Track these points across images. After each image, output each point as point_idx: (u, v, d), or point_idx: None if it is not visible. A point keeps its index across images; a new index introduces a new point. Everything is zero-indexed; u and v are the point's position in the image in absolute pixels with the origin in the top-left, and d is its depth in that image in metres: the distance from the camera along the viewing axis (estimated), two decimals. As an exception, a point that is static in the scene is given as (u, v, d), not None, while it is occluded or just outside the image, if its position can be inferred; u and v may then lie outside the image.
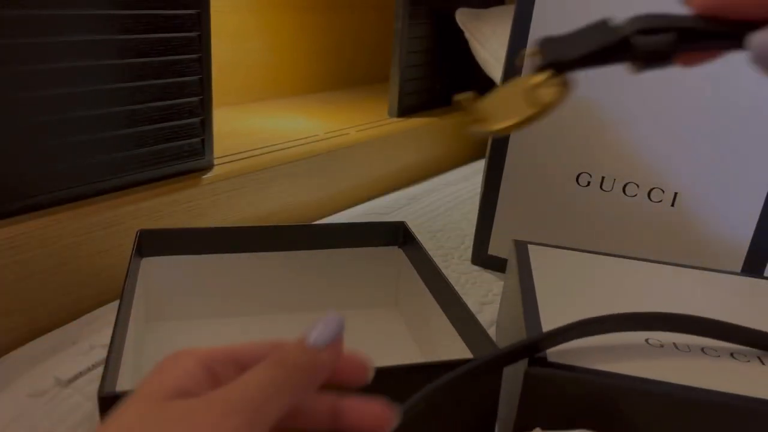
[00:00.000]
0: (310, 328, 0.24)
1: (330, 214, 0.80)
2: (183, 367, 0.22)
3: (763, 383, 0.33)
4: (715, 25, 0.23)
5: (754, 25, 0.22)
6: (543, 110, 0.24)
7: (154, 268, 0.48)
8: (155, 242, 0.48)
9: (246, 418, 0.20)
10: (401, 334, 0.51)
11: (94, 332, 0.50)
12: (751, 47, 0.23)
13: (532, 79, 0.24)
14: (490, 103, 0.26)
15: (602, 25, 0.24)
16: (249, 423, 0.20)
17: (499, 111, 0.25)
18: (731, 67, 0.52)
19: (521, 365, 0.34)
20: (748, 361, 0.36)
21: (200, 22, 0.59)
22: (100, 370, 0.45)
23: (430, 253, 0.48)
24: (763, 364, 0.35)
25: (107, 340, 0.41)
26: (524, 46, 0.57)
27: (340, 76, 1.19)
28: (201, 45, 0.59)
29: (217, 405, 0.20)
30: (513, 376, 0.36)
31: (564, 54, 0.24)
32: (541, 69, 0.24)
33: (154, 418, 0.20)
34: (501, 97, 0.26)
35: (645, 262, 0.48)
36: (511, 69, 0.58)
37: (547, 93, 0.24)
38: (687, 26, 0.23)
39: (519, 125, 0.25)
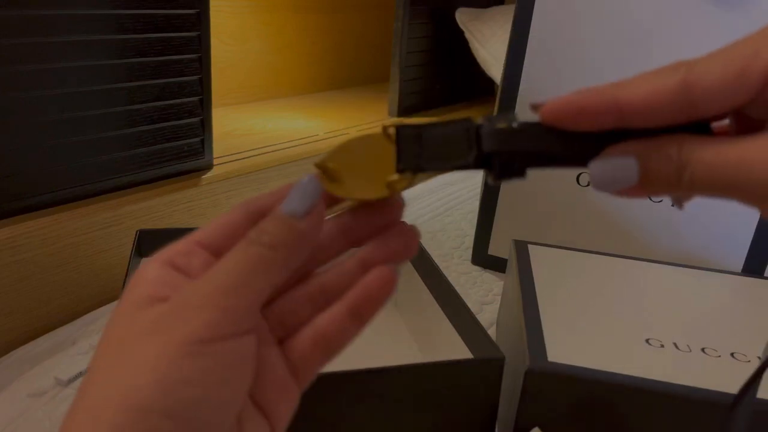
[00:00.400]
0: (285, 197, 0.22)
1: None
2: (149, 275, 0.21)
3: (764, 383, 0.33)
4: (559, 142, 0.23)
5: (597, 143, 0.22)
6: (392, 196, 0.25)
7: (154, 268, 0.48)
8: (155, 242, 0.48)
9: (221, 309, 0.19)
10: (401, 334, 0.51)
11: (94, 332, 0.50)
12: (591, 175, 0.22)
13: (389, 174, 0.24)
14: (344, 159, 0.25)
15: (462, 133, 0.24)
16: (226, 313, 0.19)
17: (353, 175, 0.25)
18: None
19: (522, 364, 0.34)
20: (749, 361, 0.36)
21: (200, 22, 0.59)
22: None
23: (431, 253, 0.48)
24: (764, 364, 0.35)
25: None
26: (524, 45, 0.57)
27: (340, 76, 1.19)
28: (200, 45, 0.59)
29: (187, 302, 0.19)
30: (514, 375, 0.36)
31: (422, 162, 0.24)
32: (399, 170, 0.24)
33: (127, 335, 0.19)
34: (354, 157, 0.26)
35: (645, 262, 0.48)
36: (512, 68, 0.58)
37: (400, 183, 0.24)
38: (536, 149, 0.23)
39: (369, 201, 0.25)
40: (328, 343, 0.22)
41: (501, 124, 0.24)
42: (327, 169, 0.25)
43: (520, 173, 0.24)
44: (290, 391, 0.22)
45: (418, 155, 0.24)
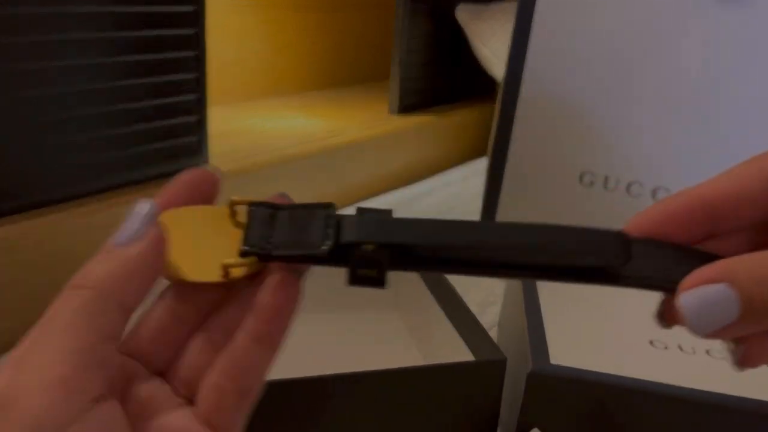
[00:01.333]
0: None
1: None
2: None
3: (765, 383, 0.33)
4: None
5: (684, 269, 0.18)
6: (228, 283, 0.21)
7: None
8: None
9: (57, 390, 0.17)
10: (401, 336, 0.50)
11: (90, 334, 0.49)
12: (681, 305, 0.18)
13: (227, 255, 0.20)
14: (175, 224, 0.21)
15: (322, 219, 0.20)
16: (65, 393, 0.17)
17: (182, 253, 0.21)
18: (735, 65, 0.52)
19: (525, 366, 0.33)
20: (755, 364, 0.35)
21: (196, 19, 0.58)
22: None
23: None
24: (771, 366, 0.35)
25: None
26: (526, 43, 0.57)
27: (340, 74, 1.19)
28: (197, 42, 0.59)
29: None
30: (516, 377, 0.35)
31: (270, 246, 0.20)
32: (243, 254, 0.20)
33: None
34: (189, 225, 0.21)
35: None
36: (514, 67, 0.58)
37: (238, 269, 0.20)
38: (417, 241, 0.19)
39: (203, 283, 0.21)
40: (238, 379, 0.20)
41: (370, 215, 0.20)
42: (166, 232, 0.21)
43: (379, 278, 0.20)
44: None
45: (267, 239, 0.21)
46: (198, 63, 0.60)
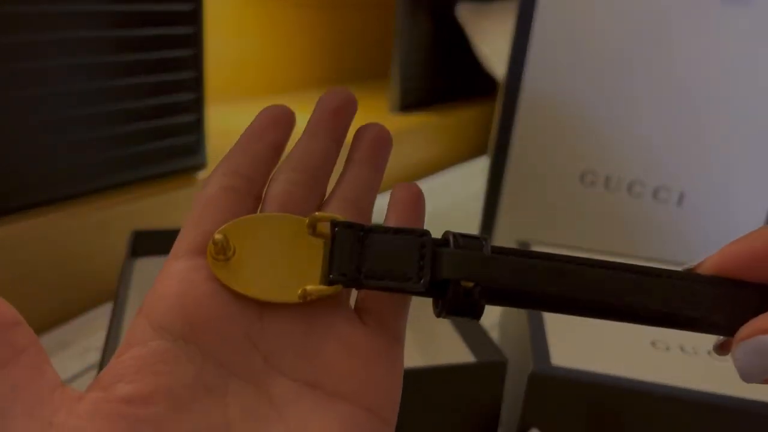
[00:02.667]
0: None
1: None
2: None
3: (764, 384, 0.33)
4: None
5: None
6: (303, 302, 0.19)
7: (149, 268, 0.48)
8: (149, 243, 0.47)
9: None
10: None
11: (88, 334, 0.49)
12: (737, 365, 0.18)
13: (307, 279, 0.19)
14: (245, 237, 0.19)
15: (416, 248, 0.19)
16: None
17: (253, 266, 0.19)
18: (737, 65, 0.52)
19: (526, 367, 0.33)
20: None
21: (195, 18, 0.58)
22: (94, 372, 0.44)
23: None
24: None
25: (102, 342, 0.41)
26: (527, 42, 0.56)
27: (340, 73, 1.18)
28: (196, 41, 0.59)
29: None
30: (517, 378, 0.35)
31: (360, 276, 0.19)
32: (330, 282, 0.19)
33: None
34: (261, 239, 0.19)
35: (651, 262, 0.47)
36: (514, 65, 0.57)
37: (317, 294, 0.19)
38: (517, 285, 0.19)
39: (274, 302, 0.19)
40: (355, 200, 0.22)
41: (467, 249, 0.19)
42: (217, 244, 0.19)
43: (476, 311, 0.19)
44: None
45: (356, 266, 0.19)
46: (196, 62, 0.59)
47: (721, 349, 0.20)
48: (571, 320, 0.38)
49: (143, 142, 0.57)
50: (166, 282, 0.19)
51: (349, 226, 0.20)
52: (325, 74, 1.15)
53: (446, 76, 1.06)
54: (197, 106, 0.61)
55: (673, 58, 0.53)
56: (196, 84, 0.60)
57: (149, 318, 0.18)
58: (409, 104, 0.98)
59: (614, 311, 0.20)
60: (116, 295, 0.39)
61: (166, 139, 0.59)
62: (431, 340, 0.47)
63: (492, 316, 0.55)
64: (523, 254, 0.20)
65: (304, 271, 0.19)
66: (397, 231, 0.20)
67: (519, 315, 0.40)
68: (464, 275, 0.19)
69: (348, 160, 0.23)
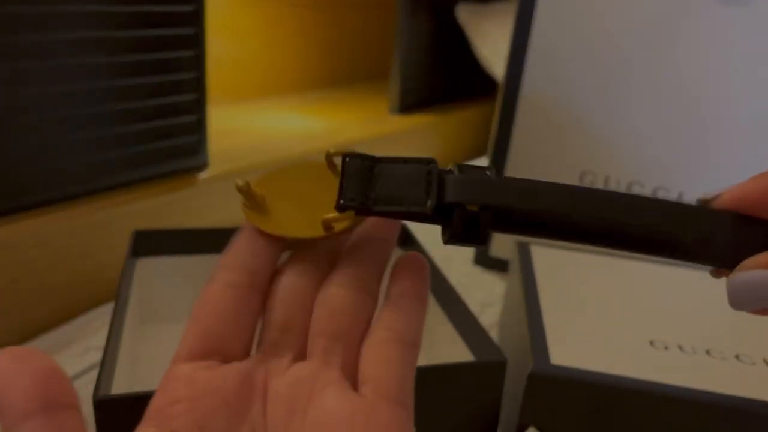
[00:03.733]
0: None
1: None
2: None
3: (764, 384, 0.33)
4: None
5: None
6: (332, 236, 0.21)
7: (150, 269, 0.48)
8: (150, 243, 0.48)
9: None
10: (401, 335, 0.50)
11: (89, 334, 0.49)
12: (730, 291, 0.19)
13: (327, 212, 0.20)
14: (273, 193, 0.21)
15: (423, 175, 0.20)
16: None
17: (283, 210, 0.21)
18: (737, 65, 0.52)
19: (525, 367, 0.33)
20: (754, 364, 0.35)
21: (196, 19, 0.58)
22: (95, 372, 0.44)
23: (431, 253, 0.47)
24: (772, 367, 0.35)
25: (102, 342, 0.41)
26: (526, 43, 0.56)
27: (340, 74, 1.18)
28: (197, 42, 0.59)
29: None
30: (516, 377, 0.35)
31: (369, 201, 0.20)
32: (341, 208, 0.20)
33: None
34: (288, 186, 0.21)
35: (649, 263, 0.48)
36: (514, 66, 0.57)
37: (340, 223, 0.20)
38: (523, 207, 0.19)
39: (304, 240, 0.21)
40: (403, 332, 0.21)
41: (473, 174, 0.20)
42: (251, 195, 0.21)
43: (481, 238, 0.19)
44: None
45: (365, 193, 0.20)
46: (198, 62, 0.60)
47: (717, 273, 0.20)
48: (571, 320, 0.38)
49: (144, 143, 0.57)
50: (174, 386, 0.19)
51: (358, 156, 0.20)
52: (325, 75, 1.16)
53: (446, 77, 1.06)
54: (198, 106, 0.61)
55: (673, 58, 0.53)
56: (198, 85, 0.60)
57: (161, 427, 0.18)
58: (409, 105, 0.98)
59: (623, 234, 0.19)
60: (117, 295, 0.39)
61: (168, 139, 0.59)
62: (430, 340, 0.47)
63: (492, 315, 0.56)
64: (528, 181, 0.20)
65: (329, 206, 0.20)
66: (405, 161, 0.20)
67: (518, 314, 0.40)
68: (469, 198, 0.19)
69: (389, 296, 0.22)
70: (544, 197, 0.19)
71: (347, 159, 0.21)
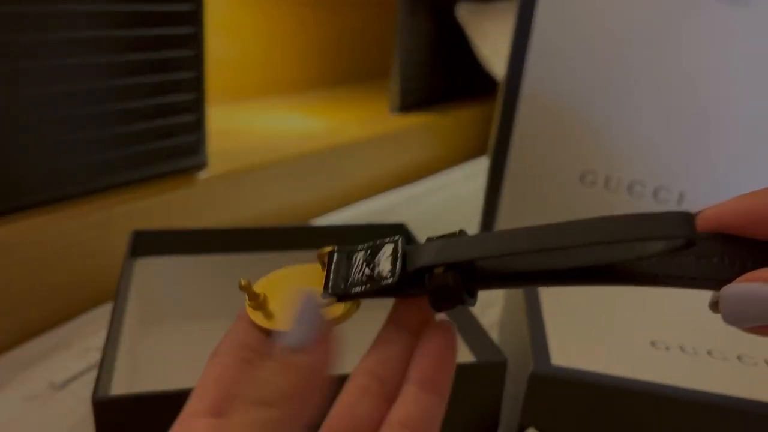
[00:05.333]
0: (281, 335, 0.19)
1: (329, 214, 0.79)
2: None
3: (763, 384, 0.32)
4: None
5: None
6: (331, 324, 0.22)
7: (149, 269, 0.48)
8: (150, 243, 0.47)
9: None
10: (401, 335, 0.50)
11: (88, 334, 0.49)
12: (723, 306, 0.18)
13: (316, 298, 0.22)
14: (272, 292, 0.22)
15: (391, 252, 0.21)
16: None
17: (282, 305, 0.22)
18: (737, 65, 0.52)
19: (526, 367, 0.33)
20: (755, 364, 0.35)
21: (195, 18, 0.58)
22: (94, 373, 0.44)
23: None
24: (773, 367, 0.35)
25: (102, 342, 0.41)
26: (526, 42, 0.56)
27: (340, 73, 1.18)
28: (196, 41, 0.59)
29: None
30: (517, 378, 0.35)
31: (347, 287, 0.21)
32: (326, 296, 0.22)
33: None
34: (283, 288, 0.23)
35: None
36: (514, 65, 0.57)
37: (335, 310, 0.21)
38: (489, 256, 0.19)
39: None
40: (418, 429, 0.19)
41: (438, 239, 0.20)
42: (252, 295, 0.22)
43: (457, 298, 0.20)
44: None
45: (345, 279, 0.21)
46: (197, 62, 0.59)
47: (716, 306, 0.20)
48: (571, 320, 0.38)
49: (144, 142, 0.57)
50: None
51: (339, 250, 0.22)
52: (325, 74, 1.15)
53: (446, 76, 1.06)
54: (198, 106, 0.61)
55: (673, 58, 0.53)
56: (197, 84, 0.60)
57: None
58: (409, 104, 0.98)
59: (595, 269, 0.20)
60: (116, 295, 0.39)
61: (167, 139, 0.59)
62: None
63: (492, 316, 0.55)
64: (492, 234, 0.20)
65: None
66: (379, 242, 0.22)
67: (518, 314, 0.40)
68: (428, 261, 0.20)
69: (407, 379, 0.20)
70: (498, 242, 0.20)
71: (331, 253, 0.22)
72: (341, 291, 0.21)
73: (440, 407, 0.20)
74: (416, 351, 0.21)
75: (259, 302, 0.22)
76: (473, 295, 0.21)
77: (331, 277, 0.22)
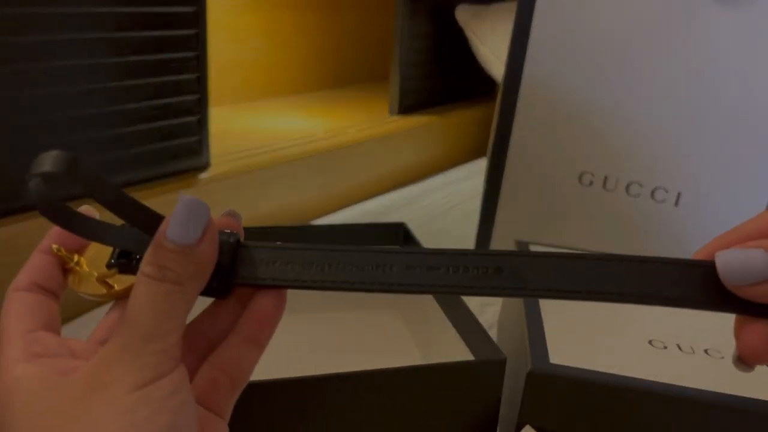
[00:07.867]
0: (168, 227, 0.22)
1: (329, 214, 0.79)
2: (13, 354, 0.22)
3: (764, 384, 0.33)
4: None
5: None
6: (112, 297, 0.24)
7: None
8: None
9: (155, 353, 0.20)
10: (401, 335, 0.50)
11: (88, 334, 0.49)
12: (719, 264, 0.22)
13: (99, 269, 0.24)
14: (88, 257, 0.25)
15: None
16: (160, 355, 0.20)
17: (91, 268, 0.25)
18: (736, 65, 0.52)
19: (524, 366, 0.33)
20: (754, 363, 0.35)
21: (197, 20, 0.58)
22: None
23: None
24: (769, 366, 0.35)
25: (103, 342, 0.41)
26: (526, 43, 0.57)
27: (339, 75, 1.19)
28: (198, 43, 0.59)
29: (115, 356, 0.20)
30: (515, 376, 0.35)
31: (133, 262, 0.24)
32: (108, 266, 0.24)
33: (53, 407, 0.20)
34: (94, 256, 0.25)
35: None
36: (513, 67, 0.58)
37: (119, 281, 0.24)
38: None
39: (98, 298, 0.24)
40: (231, 372, 0.23)
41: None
42: (61, 256, 0.25)
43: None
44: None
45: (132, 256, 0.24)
46: (199, 63, 0.60)
47: (740, 362, 0.22)
48: (569, 319, 0.38)
49: (146, 143, 0.58)
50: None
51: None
52: (326, 76, 1.16)
53: (446, 78, 1.06)
54: (200, 107, 0.61)
55: (671, 58, 0.53)
56: (199, 85, 0.61)
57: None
58: (408, 106, 0.98)
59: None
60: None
61: (169, 140, 0.59)
62: (430, 339, 0.47)
63: (491, 315, 0.56)
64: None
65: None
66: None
67: (517, 313, 0.40)
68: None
69: (233, 332, 0.24)
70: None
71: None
72: (123, 266, 0.24)
73: (258, 357, 0.24)
74: (250, 306, 0.24)
75: (71, 267, 0.24)
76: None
77: (122, 252, 0.24)
